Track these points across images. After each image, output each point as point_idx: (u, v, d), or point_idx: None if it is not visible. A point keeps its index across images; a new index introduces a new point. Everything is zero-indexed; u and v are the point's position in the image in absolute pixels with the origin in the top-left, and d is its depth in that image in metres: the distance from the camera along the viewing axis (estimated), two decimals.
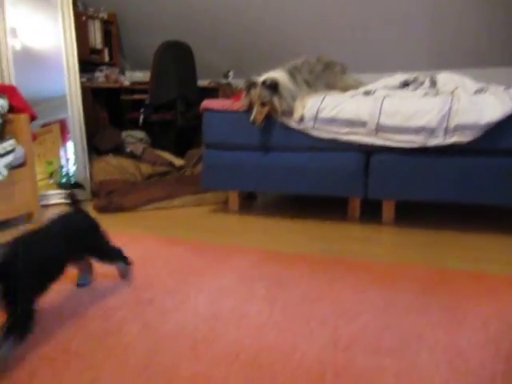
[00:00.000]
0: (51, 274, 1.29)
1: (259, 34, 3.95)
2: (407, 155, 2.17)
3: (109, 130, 3.59)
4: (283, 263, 1.79)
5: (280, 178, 2.42)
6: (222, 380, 1.03)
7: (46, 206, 2.91)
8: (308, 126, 2.27)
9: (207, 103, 2.55)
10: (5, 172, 2.29)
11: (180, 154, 3.74)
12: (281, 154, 2.41)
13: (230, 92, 4.13)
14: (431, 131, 2.06)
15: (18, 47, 3.08)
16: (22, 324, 1.12)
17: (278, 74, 2.28)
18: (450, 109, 2.05)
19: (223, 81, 4.29)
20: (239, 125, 2.43)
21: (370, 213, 2.44)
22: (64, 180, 3.20)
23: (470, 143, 2.03)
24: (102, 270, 1.64)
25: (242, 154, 2.49)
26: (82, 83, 3.25)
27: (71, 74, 3.09)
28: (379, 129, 2.14)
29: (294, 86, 2.30)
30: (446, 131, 2.05)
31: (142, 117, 3.70)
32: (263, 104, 2.25)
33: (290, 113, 2.30)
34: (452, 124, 2.04)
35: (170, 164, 3.41)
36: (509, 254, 1.89)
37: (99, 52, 4.28)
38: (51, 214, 2.77)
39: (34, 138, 2.73)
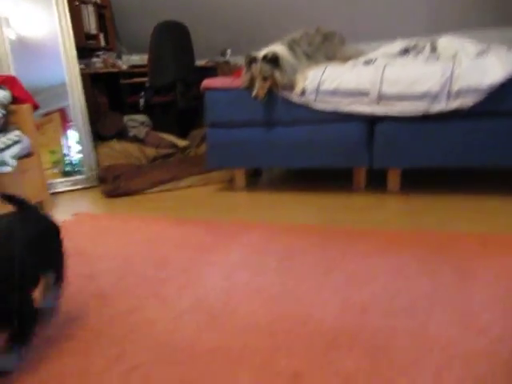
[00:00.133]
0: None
1: (255, 11, 3.91)
2: (411, 123, 2.18)
3: (110, 115, 3.60)
4: (293, 236, 1.83)
5: (285, 153, 2.44)
6: (241, 349, 1.07)
7: (55, 194, 2.94)
8: (310, 99, 2.28)
9: (208, 82, 2.55)
10: (13, 162, 2.31)
11: (182, 135, 3.75)
12: (284, 128, 2.42)
13: (228, 70, 4.11)
14: (434, 97, 2.06)
15: (12, 37, 3.07)
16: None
17: (278, 48, 2.27)
18: (451, 73, 2.04)
19: (221, 59, 4.26)
20: (241, 102, 2.44)
21: (376, 182, 2.46)
22: (68, 168, 3.23)
23: (473, 107, 2.03)
24: (119, 247, 1.68)
25: (245, 131, 2.50)
26: (80, 70, 3.24)
27: (70, 61, 3.08)
28: (381, 97, 2.14)
29: (294, 60, 2.29)
30: (449, 96, 2.04)
31: (142, 100, 3.70)
32: (265, 79, 2.25)
33: (291, 87, 2.30)
34: (454, 88, 2.04)
35: (174, 146, 3.43)
36: None
37: (95, 37, 4.25)
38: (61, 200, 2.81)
39: (37, 128, 2.75)
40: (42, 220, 1.24)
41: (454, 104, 2.05)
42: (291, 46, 2.34)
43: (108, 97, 3.99)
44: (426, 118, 2.14)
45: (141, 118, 3.64)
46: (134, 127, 3.50)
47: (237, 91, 2.44)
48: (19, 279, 1.00)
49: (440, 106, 2.07)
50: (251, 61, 2.28)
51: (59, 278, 1.26)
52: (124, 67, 3.93)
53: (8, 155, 2.30)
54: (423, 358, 0.99)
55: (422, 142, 2.20)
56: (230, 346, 1.09)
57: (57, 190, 3.01)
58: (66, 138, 3.33)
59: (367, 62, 2.38)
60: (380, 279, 1.37)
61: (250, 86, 2.32)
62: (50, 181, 2.96)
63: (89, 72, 3.69)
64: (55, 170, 3.19)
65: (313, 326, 1.14)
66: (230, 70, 4.08)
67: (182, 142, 3.50)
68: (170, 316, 1.25)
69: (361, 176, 2.45)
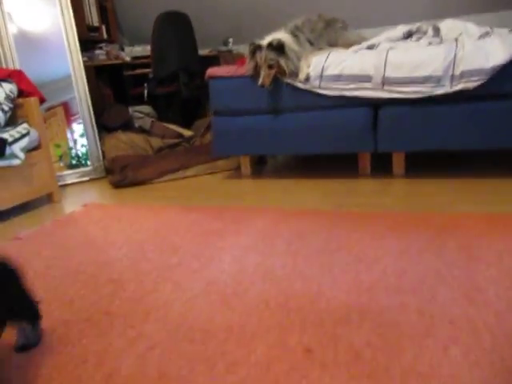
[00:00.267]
0: None
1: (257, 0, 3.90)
2: (415, 106, 2.19)
3: (116, 106, 3.62)
4: (300, 219, 1.86)
5: (290, 140, 2.46)
6: (255, 326, 1.11)
7: (63, 186, 2.98)
8: (314, 85, 2.29)
9: (212, 71, 2.57)
10: (22, 155, 2.35)
11: (187, 124, 3.78)
12: (289, 115, 2.44)
13: (231, 59, 4.12)
14: (438, 80, 2.08)
15: (16, 31, 3.08)
16: None
17: (282, 35, 2.28)
18: (455, 56, 2.05)
19: (223, 48, 4.26)
20: (245, 90, 2.46)
21: (381, 167, 2.48)
22: (74, 162, 3.26)
23: (476, 89, 2.04)
24: (130, 235, 1.72)
25: (250, 118, 2.52)
26: (83, 62, 3.26)
27: (73, 54, 3.10)
28: (385, 82, 2.16)
29: (298, 46, 2.30)
30: (453, 79, 2.06)
31: (146, 91, 3.72)
32: (270, 66, 2.27)
33: (295, 73, 2.31)
34: (458, 71, 2.05)
35: (179, 135, 3.45)
36: None
37: (97, 29, 4.26)
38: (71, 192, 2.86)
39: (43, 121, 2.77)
40: None
41: (458, 86, 2.06)
42: (294, 33, 2.35)
43: (112, 89, 4.02)
44: (429, 101, 2.16)
45: (146, 108, 3.67)
46: (139, 118, 3.52)
47: (241, 79, 2.46)
48: None
49: (444, 89, 2.08)
50: (255, 49, 2.29)
51: (33, 317, 1.14)
52: (127, 59, 3.95)
53: (17, 148, 2.33)
54: (430, 332, 1.03)
55: (426, 125, 2.22)
56: (244, 324, 1.13)
57: (65, 183, 3.05)
58: (71, 132, 3.35)
59: (370, 47, 2.39)
60: (387, 259, 1.41)
61: (255, 74, 2.33)
62: (57, 173, 3.00)
63: (92, 64, 3.71)
64: (61, 164, 3.22)
65: (323, 304, 1.17)
66: (233, 58, 4.09)
67: (187, 132, 3.52)
68: (183, 298, 1.29)
69: (366, 161, 2.47)
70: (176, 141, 3.37)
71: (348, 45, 2.57)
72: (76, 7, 3.46)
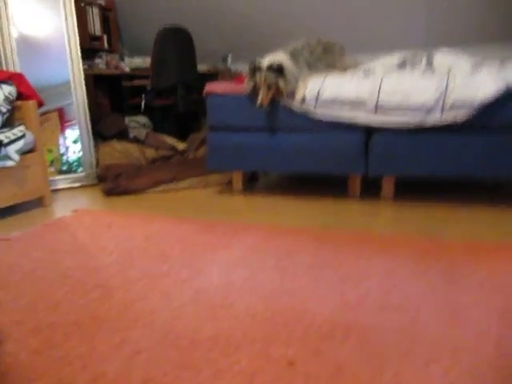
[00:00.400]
0: None
1: (257, 19, 3.99)
2: (406, 133, 2.25)
3: (112, 115, 3.65)
4: (289, 237, 1.89)
5: (283, 158, 2.51)
6: (241, 337, 1.13)
7: (55, 191, 2.98)
8: (310, 107, 2.35)
9: (210, 87, 2.61)
10: (16, 157, 2.35)
11: (181, 137, 3.81)
12: (284, 134, 2.49)
13: (229, 76, 4.19)
14: (429, 109, 2.15)
15: (17, 34, 3.11)
16: None
17: (281, 57, 2.34)
18: (446, 87, 2.13)
19: (222, 65, 4.34)
20: (242, 107, 2.50)
21: (370, 190, 2.53)
22: (64, 168, 3.26)
23: (466, 120, 2.12)
24: (120, 243, 1.73)
25: (245, 135, 2.56)
26: (83, 70, 3.29)
27: (74, 61, 3.13)
28: (379, 108, 2.22)
29: (296, 68, 2.37)
30: (443, 109, 2.13)
31: (143, 102, 3.76)
32: (269, 87, 2.32)
33: (292, 94, 2.37)
34: (448, 102, 2.12)
35: (173, 148, 3.48)
36: (501, 225, 2.00)
37: (98, 39, 4.32)
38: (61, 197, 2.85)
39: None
40: None
41: (448, 117, 2.13)
42: (293, 55, 2.41)
43: (109, 98, 4.05)
44: (420, 130, 2.22)
45: (142, 119, 3.70)
46: (134, 128, 3.55)
47: (238, 97, 2.51)
48: None
49: (434, 119, 2.15)
50: (255, 69, 2.35)
51: None
52: (127, 69, 3.99)
53: (12, 150, 2.34)
54: (412, 350, 1.05)
55: (417, 152, 2.28)
56: (230, 335, 1.14)
57: (56, 187, 3.05)
58: (64, 138, 3.36)
59: (366, 73, 2.46)
60: (372, 279, 1.44)
61: (253, 93, 2.38)
62: (49, 178, 2.99)
63: (91, 73, 3.74)
64: (52, 169, 3.22)
65: (308, 320, 1.20)
66: (231, 76, 4.16)
67: (181, 145, 3.56)
68: (171, 307, 1.31)
69: (356, 183, 2.52)
70: (169, 153, 3.40)
71: (344, 69, 2.64)
72: (80, 15, 3.51)
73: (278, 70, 2.29)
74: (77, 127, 3.24)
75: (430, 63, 2.52)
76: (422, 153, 2.26)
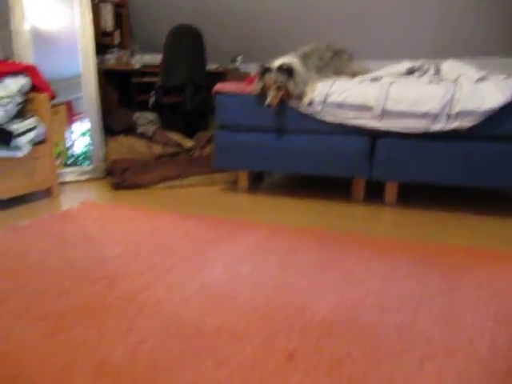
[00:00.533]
0: None
1: (269, 22, 4.04)
2: (411, 140, 2.29)
3: (121, 111, 3.70)
4: (293, 236, 1.93)
5: (289, 159, 2.55)
6: (244, 330, 1.16)
7: (62, 184, 3.02)
8: (317, 110, 2.39)
9: (220, 87, 2.66)
10: (27, 148, 2.40)
11: (188, 135, 3.85)
12: (290, 135, 2.53)
13: (238, 77, 4.23)
14: (434, 117, 2.18)
15: (31, 27, 3.16)
16: None
17: (292, 60, 2.38)
18: (452, 96, 2.16)
19: (231, 65, 4.38)
20: (250, 107, 2.55)
21: (374, 194, 2.57)
22: (70, 161, 3.31)
23: (470, 129, 2.15)
24: (126, 236, 1.77)
25: (252, 135, 2.61)
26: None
27: (87, 54, 3.18)
28: (385, 114, 2.26)
29: (305, 72, 2.41)
30: (449, 117, 2.16)
31: (152, 99, 3.81)
32: (278, 88, 2.36)
33: (300, 97, 2.41)
34: (454, 110, 2.16)
35: (180, 145, 3.52)
36: (500, 233, 2.03)
37: (110, 34, 4.37)
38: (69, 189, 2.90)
39: None
40: None
41: (453, 125, 2.16)
42: (303, 59, 2.45)
43: (119, 93, 4.10)
44: (425, 137, 2.26)
45: (150, 115, 3.74)
46: (142, 124, 3.59)
47: (247, 97, 2.55)
48: None
49: (439, 126, 2.19)
50: (265, 71, 2.39)
51: None
52: (137, 66, 4.04)
53: (24, 141, 2.39)
54: (408, 349, 1.09)
55: (421, 158, 2.32)
56: (233, 326, 1.18)
57: (64, 180, 3.10)
58: (71, 131, 3.41)
59: (374, 79, 2.50)
60: (372, 280, 1.48)
61: (262, 94, 2.43)
62: (57, 170, 3.04)
63: (102, 68, 3.79)
64: (57, 162, 3.26)
65: (309, 316, 1.24)
66: (240, 76, 4.20)
67: (187, 143, 3.60)
68: (176, 299, 1.35)
69: (360, 187, 2.56)
70: (176, 150, 3.44)
71: (353, 75, 2.68)
72: (93, 11, 3.56)
73: (288, 71, 2.33)
74: (85, 121, 3.29)
75: (437, 72, 2.56)
76: (426, 159, 2.30)
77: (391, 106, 2.25)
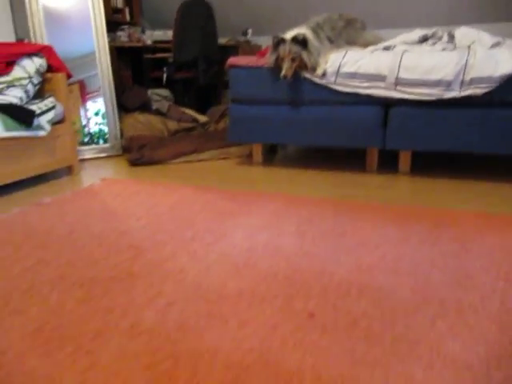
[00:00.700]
0: None
1: None
2: (424, 107, 2.30)
3: (135, 88, 3.74)
4: (309, 206, 1.98)
5: (303, 131, 2.58)
6: (264, 293, 1.23)
7: (81, 161, 3.10)
8: (330, 81, 2.40)
9: (233, 60, 2.67)
10: (48, 127, 2.47)
11: (201, 110, 3.89)
12: (304, 107, 2.56)
13: (249, 49, 4.22)
14: (448, 84, 2.18)
15: (42, 6, 3.18)
16: None
17: (304, 31, 2.38)
18: (466, 63, 2.15)
19: (242, 38, 4.37)
20: (264, 80, 2.57)
21: (387, 164, 2.60)
22: (86, 139, 3.37)
23: (484, 95, 2.15)
24: (148, 209, 1.84)
25: (266, 108, 2.64)
26: None
27: (99, 32, 3.20)
28: (398, 82, 2.27)
29: (318, 43, 2.41)
30: (462, 84, 2.16)
31: (165, 75, 3.84)
32: (293, 59, 2.37)
33: (313, 68, 2.42)
34: (468, 77, 2.15)
35: (194, 120, 3.57)
36: None
37: (120, 11, 4.37)
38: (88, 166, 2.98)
39: None
40: None
41: (467, 92, 2.16)
42: (315, 30, 2.45)
43: (131, 71, 4.13)
44: (438, 104, 2.27)
45: (164, 92, 3.78)
46: (157, 101, 3.64)
47: (260, 70, 2.57)
48: None
49: (453, 93, 2.19)
50: (279, 42, 2.39)
51: None
52: (148, 42, 4.05)
53: (44, 120, 2.45)
54: (421, 308, 1.15)
55: (434, 126, 2.33)
56: (254, 290, 1.25)
57: (82, 157, 3.17)
58: (85, 110, 3.46)
59: (386, 48, 2.49)
60: (387, 245, 1.53)
61: (276, 66, 2.44)
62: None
63: (114, 45, 3.82)
64: None
65: (327, 279, 1.30)
66: (251, 49, 4.20)
67: (202, 118, 3.64)
68: (199, 267, 1.42)
69: (374, 157, 2.59)
70: (191, 125, 3.49)
71: (365, 44, 2.67)
72: None
73: (302, 42, 2.34)
74: (98, 99, 3.33)
75: (451, 38, 2.53)
76: (439, 127, 2.31)
77: (404, 74, 2.25)
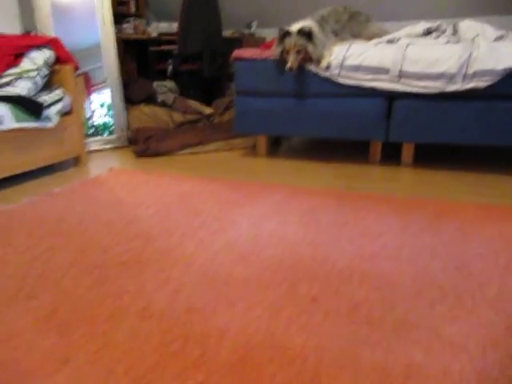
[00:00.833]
0: None
1: None
2: (427, 100, 2.33)
3: (140, 80, 3.77)
4: (312, 196, 2.02)
5: (307, 123, 2.61)
6: (269, 279, 1.28)
7: (88, 152, 3.15)
8: (334, 74, 2.43)
9: (238, 53, 2.70)
10: (56, 119, 2.51)
11: (206, 102, 3.92)
12: (308, 99, 2.59)
13: (253, 42, 4.24)
14: (451, 77, 2.21)
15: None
16: None
17: (309, 24, 2.41)
18: (469, 56, 2.18)
19: (246, 31, 4.38)
20: (269, 72, 2.60)
21: (390, 156, 2.63)
22: (91, 132, 3.41)
23: (487, 88, 2.17)
24: (155, 198, 1.88)
25: (271, 100, 2.67)
26: None
27: (105, 22, 3.23)
28: (402, 75, 2.29)
29: (323, 36, 2.44)
30: (465, 77, 2.19)
31: (170, 67, 3.87)
32: (298, 52, 2.40)
33: (317, 61, 2.45)
34: (471, 70, 2.18)
35: (200, 112, 3.60)
36: None
37: (125, 3, 4.38)
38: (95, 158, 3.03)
39: None
40: None
41: (469, 85, 2.19)
42: (320, 23, 2.48)
43: (136, 63, 4.16)
44: (441, 97, 2.29)
45: (169, 84, 3.81)
46: (162, 93, 3.67)
47: (265, 62, 2.60)
48: None
49: (456, 86, 2.21)
50: (285, 34, 2.42)
51: None
52: (154, 34, 4.07)
53: (52, 112, 2.49)
54: (420, 294, 1.19)
55: (437, 119, 2.36)
56: (259, 276, 1.30)
57: (89, 149, 3.22)
58: (89, 102, 3.49)
59: (390, 41, 2.52)
60: (388, 234, 1.57)
61: (281, 58, 2.47)
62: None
63: (120, 37, 3.84)
64: None
65: (329, 266, 1.34)
66: (255, 41, 4.21)
67: (207, 110, 3.67)
68: (206, 254, 1.46)
69: (377, 149, 2.62)
70: (196, 117, 3.52)
71: (370, 37, 2.69)
72: None
73: (308, 35, 2.37)
74: (103, 92, 3.36)
75: (455, 32, 2.55)
76: (442, 120, 2.34)
77: (408, 67, 2.28)
